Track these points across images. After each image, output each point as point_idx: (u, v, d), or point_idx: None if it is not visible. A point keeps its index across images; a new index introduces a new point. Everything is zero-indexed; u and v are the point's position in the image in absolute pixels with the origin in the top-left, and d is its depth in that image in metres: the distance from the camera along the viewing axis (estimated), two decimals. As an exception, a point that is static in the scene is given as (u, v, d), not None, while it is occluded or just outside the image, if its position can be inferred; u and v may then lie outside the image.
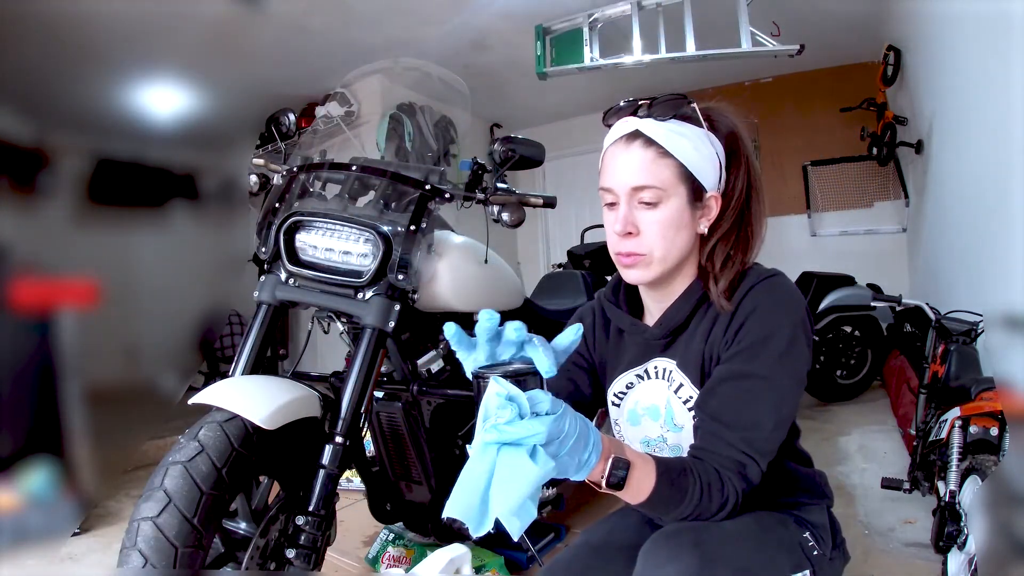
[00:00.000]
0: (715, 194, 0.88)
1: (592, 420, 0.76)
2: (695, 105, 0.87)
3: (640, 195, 0.84)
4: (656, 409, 0.93)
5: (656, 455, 0.79)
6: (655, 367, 0.93)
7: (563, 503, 1.88)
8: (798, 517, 0.91)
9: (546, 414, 0.59)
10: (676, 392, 0.91)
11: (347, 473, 1.37)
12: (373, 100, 3.93)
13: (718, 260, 0.89)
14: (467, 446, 0.60)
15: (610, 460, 0.69)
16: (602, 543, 0.99)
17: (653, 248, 0.86)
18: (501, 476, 0.56)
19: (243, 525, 1.15)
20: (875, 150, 3.78)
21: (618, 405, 0.99)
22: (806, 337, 0.84)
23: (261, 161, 1.55)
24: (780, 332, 0.82)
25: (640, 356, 0.95)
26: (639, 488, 0.73)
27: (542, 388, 0.61)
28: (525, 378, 0.61)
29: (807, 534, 0.89)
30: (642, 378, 0.95)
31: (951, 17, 2.47)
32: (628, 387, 0.97)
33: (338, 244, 1.32)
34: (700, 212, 0.87)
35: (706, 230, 0.89)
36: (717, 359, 0.86)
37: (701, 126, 0.87)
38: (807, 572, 0.85)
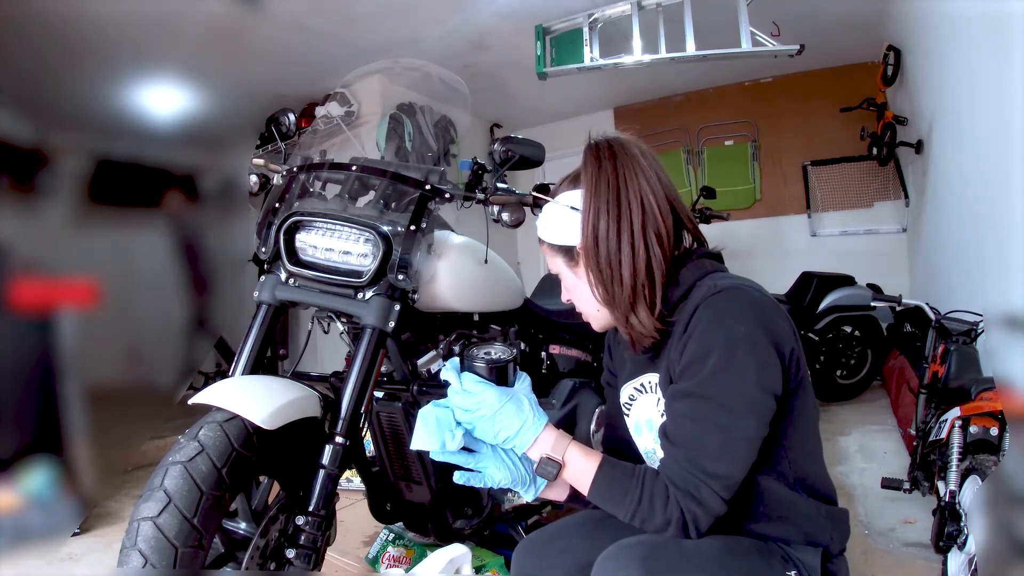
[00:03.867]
0: (578, 245, 0.93)
1: None
2: (539, 193, 1.03)
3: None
4: (650, 422, 0.96)
5: (610, 457, 0.87)
6: (648, 381, 0.96)
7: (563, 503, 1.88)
8: (787, 553, 0.87)
9: (466, 391, 0.86)
10: (658, 406, 0.93)
11: (347, 473, 1.37)
12: (373, 100, 3.93)
13: (599, 293, 0.92)
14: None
15: (540, 458, 0.85)
16: (601, 518, 1.00)
17: (580, 308, 1.00)
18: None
19: (243, 525, 1.15)
20: (875, 150, 3.77)
21: (627, 416, 1.02)
22: (753, 352, 0.80)
23: (261, 161, 1.55)
24: (716, 349, 0.80)
25: (636, 369, 0.99)
26: (577, 483, 0.87)
27: (509, 374, 0.87)
28: (505, 365, 0.87)
29: (793, 573, 0.85)
30: (640, 391, 0.98)
31: (951, 17, 2.46)
32: (631, 399, 1.00)
33: (338, 244, 1.32)
34: (578, 264, 0.95)
35: None
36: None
37: (547, 202, 0.98)
38: None
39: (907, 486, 1.83)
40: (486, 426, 0.85)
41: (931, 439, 1.72)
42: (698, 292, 0.86)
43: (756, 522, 0.88)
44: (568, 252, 0.95)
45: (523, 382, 0.90)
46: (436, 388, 1.47)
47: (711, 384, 0.80)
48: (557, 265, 0.99)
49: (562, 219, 0.94)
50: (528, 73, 3.37)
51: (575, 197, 0.93)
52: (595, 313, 0.97)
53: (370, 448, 1.71)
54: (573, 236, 0.93)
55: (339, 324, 1.44)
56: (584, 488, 0.86)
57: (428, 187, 1.37)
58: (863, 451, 2.66)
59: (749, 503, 0.86)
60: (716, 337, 0.81)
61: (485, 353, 0.87)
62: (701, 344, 0.82)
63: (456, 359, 0.90)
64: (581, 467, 0.85)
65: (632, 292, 0.88)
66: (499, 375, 0.87)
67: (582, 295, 0.96)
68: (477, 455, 0.88)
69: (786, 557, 0.86)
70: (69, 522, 1.86)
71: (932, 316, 2.03)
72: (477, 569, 1.62)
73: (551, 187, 1.01)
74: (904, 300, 2.08)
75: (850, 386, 3.54)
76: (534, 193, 1.03)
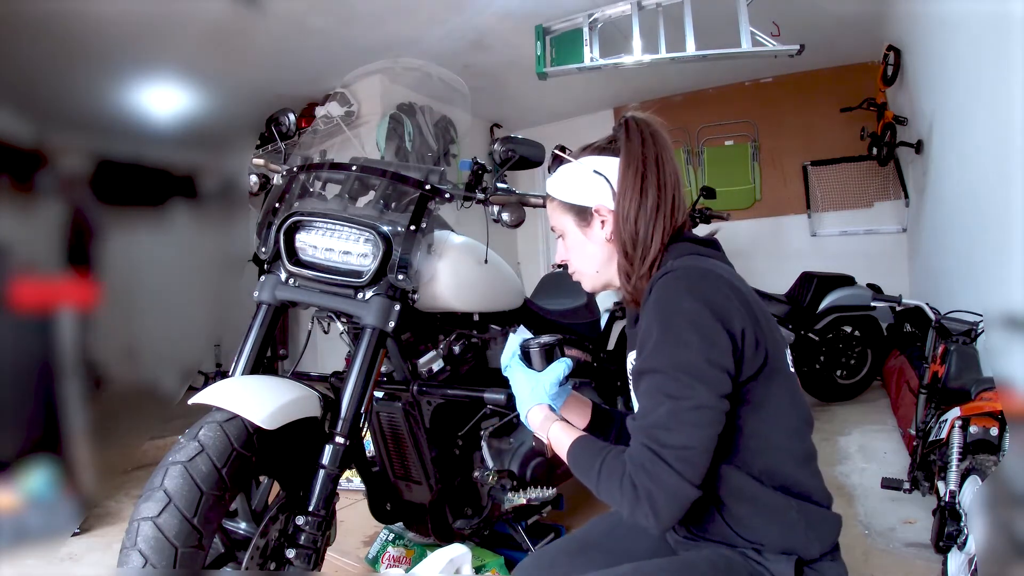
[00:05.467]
0: (598, 207, 0.98)
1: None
2: (560, 151, 1.05)
3: (556, 234, 1.06)
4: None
5: (589, 435, 0.94)
6: (631, 359, 0.99)
7: (563, 503, 1.88)
8: (754, 570, 0.85)
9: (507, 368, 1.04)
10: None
11: (347, 473, 1.37)
12: (373, 100, 3.92)
13: (619, 260, 0.97)
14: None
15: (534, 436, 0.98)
16: (596, 544, 1.02)
17: (574, 266, 1.05)
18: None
19: (243, 525, 1.15)
20: (875, 150, 3.77)
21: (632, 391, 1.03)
22: (695, 326, 0.81)
23: (261, 161, 1.55)
24: (659, 324, 0.83)
25: (631, 346, 1.02)
26: (562, 456, 0.92)
27: (551, 357, 1.01)
28: (552, 347, 1.02)
29: None
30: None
31: (951, 17, 2.46)
32: (630, 378, 1.00)
33: (338, 244, 1.32)
34: (590, 225, 1.00)
35: (609, 235, 0.98)
36: None
37: (570, 161, 1.02)
38: None
39: (907, 486, 1.83)
40: (515, 395, 1.02)
41: (931, 439, 1.72)
42: (654, 277, 0.90)
43: (723, 519, 0.87)
44: (582, 212, 1.00)
45: (552, 369, 1.00)
46: (436, 388, 1.48)
47: (655, 357, 0.82)
48: (564, 223, 1.03)
49: (584, 180, 0.99)
50: (528, 73, 3.37)
51: (602, 164, 0.98)
52: (592, 274, 1.02)
53: (370, 448, 1.71)
54: (592, 198, 0.98)
55: (339, 324, 1.44)
56: (565, 458, 0.92)
57: (428, 187, 1.37)
58: (863, 451, 2.65)
59: (711, 495, 0.85)
60: (660, 314, 0.84)
61: (536, 340, 1.03)
62: (648, 322, 0.85)
63: (519, 337, 1.06)
64: (560, 442, 0.93)
65: (651, 263, 0.94)
66: (528, 358, 1.03)
67: (586, 255, 1.01)
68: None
69: (755, 572, 0.84)
70: (69, 522, 1.86)
71: (932, 316, 2.02)
72: (477, 569, 1.62)
73: (568, 150, 1.05)
74: (904, 300, 2.08)
75: (850, 386, 3.53)
76: (556, 151, 1.05)
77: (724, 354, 0.81)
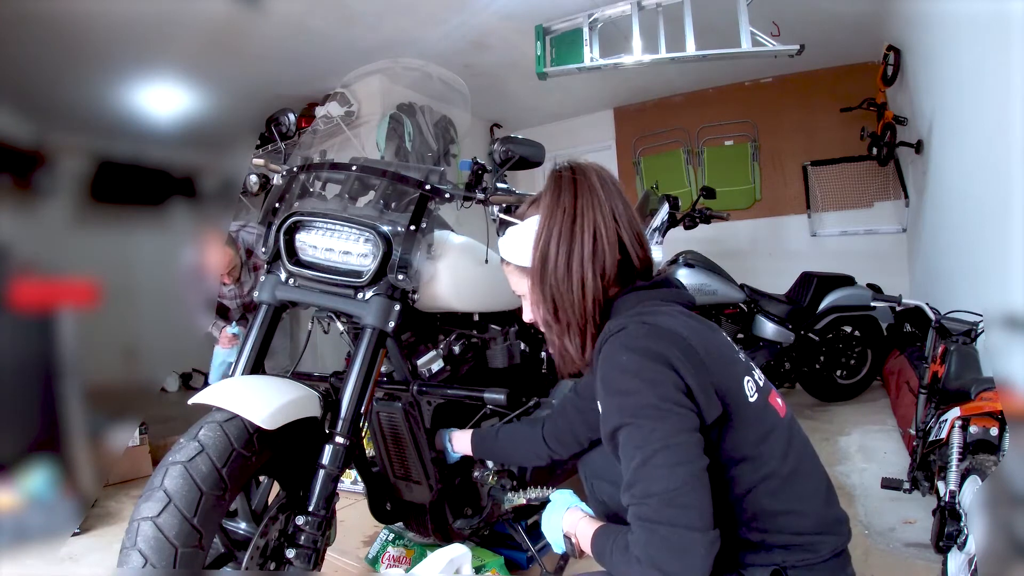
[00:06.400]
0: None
1: None
2: (505, 214, 1.04)
3: (518, 295, 1.05)
4: None
5: (607, 524, 0.94)
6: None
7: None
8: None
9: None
10: None
11: (347, 473, 1.37)
12: (373, 100, 3.92)
13: (543, 319, 0.97)
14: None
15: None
16: None
17: (542, 327, 1.00)
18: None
19: (243, 525, 1.15)
20: (875, 150, 3.77)
21: None
22: (639, 374, 0.80)
23: (261, 161, 1.55)
24: (602, 389, 0.84)
25: None
26: (586, 548, 0.93)
27: None
28: None
29: None
30: None
31: (951, 17, 2.47)
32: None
33: (338, 244, 1.32)
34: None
35: None
36: None
37: (515, 223, 1.01)
38: None
39: (907, 486, 1.83)
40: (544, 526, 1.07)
41: (931, 439, 1.72)
42: (600, 337, 0.89)
43: (744, 535, 0.86)
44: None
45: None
46: (436, 388, 1.48)
47: (612, 418, 0.83)
48: (521, 286, 1.02)
49: (526, 238, 0.97)
50: (528, 73, 3.37)
51: (525, 230, 0.98)
52: (547, 331, 1.00)
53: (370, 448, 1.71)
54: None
55: (339, 324, 1.44)
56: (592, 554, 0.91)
57: (428, 187, 1.37)
58: (863, 451, 2.65)
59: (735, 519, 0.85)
60: (603, 379, 0.84)
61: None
62: (599, 387, 0.85)
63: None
64: (585, 535, 0.94)
65: (572, 319, 0.93)
66: None
67: (540, 315, 1.00)
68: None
69: None
70: (69, 522, 1.85)
71: (932, 316, 2.02)
72: (477, 569, 1.62)
73: (515, 209, 1.05)
74: (904, 300, 2.07)
75: (850, 386, 3.54)
76: (500, 215, 1.05)
77: (674, 390, 0.79)
